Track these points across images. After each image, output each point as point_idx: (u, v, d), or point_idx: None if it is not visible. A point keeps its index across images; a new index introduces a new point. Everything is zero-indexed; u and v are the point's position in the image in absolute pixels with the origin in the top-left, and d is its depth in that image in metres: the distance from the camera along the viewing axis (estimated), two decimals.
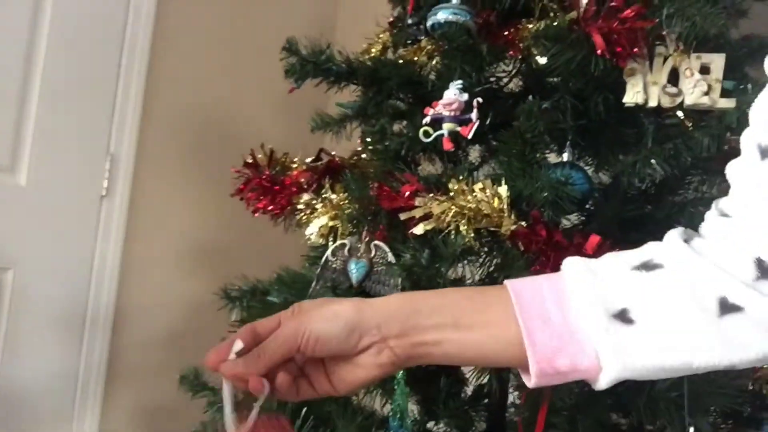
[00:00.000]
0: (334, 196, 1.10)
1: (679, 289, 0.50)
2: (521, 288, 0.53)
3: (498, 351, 0.53)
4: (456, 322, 0.53)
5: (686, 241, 0.53)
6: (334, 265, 1.06)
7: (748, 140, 0.53)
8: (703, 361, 0.49)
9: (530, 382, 0.52)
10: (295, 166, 1.12)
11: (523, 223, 0.86)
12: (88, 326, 1.74)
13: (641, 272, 0.51)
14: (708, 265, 0.50)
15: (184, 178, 1.92)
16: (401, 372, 0.93)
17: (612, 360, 0.49)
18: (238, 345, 0.55)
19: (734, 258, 0.50)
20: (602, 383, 0.51)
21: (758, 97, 0.53)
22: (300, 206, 1.13)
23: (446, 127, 0.93)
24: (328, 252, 1.06)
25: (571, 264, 0.54)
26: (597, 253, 0.85)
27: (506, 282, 0.54)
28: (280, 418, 0.60)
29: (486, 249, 0.92)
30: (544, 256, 0.84)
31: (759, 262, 0.49)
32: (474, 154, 1.18)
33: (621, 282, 0.51)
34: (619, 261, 0.53)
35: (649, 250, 0.53)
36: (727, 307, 0.48)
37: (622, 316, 0.50)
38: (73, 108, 1.69)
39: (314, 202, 1.11)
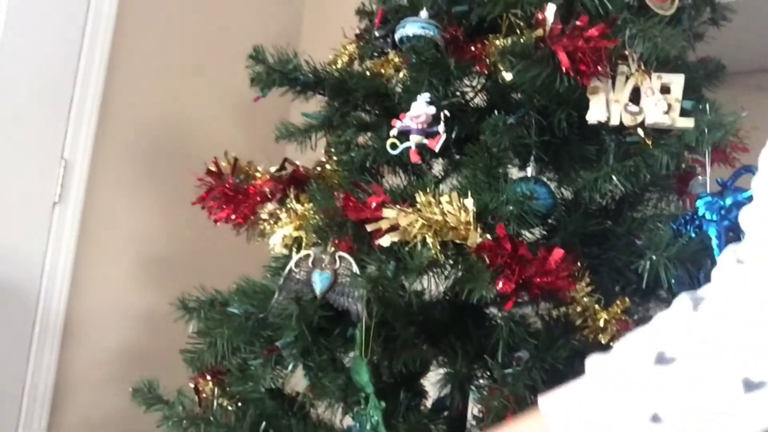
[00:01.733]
0: (298, 207, 1.09)
1: (699, 382, 0.53)
2: (561, 409, 0.58)
3: None
4: None
5: (695, 308, 0.55)
6: (297, 276, 1.04)
7: (759, 186, 0.55)
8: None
9: None
10: (259, 175, 1.11)
11: (488, 236, 0.87)
12: (36, 337, 1.68)
13: (659, 367, 0.54)
14: (725, 345, 0.52)
15: (140, 185, 1.88)
16: (371, 387, 0.92)
17: None
18: None
19: (751, 328, 0.52)
20: None
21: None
22: (263, 216, 1.11)
23: (413, 139, 0.94)
24: (292, 263, 1.05)
25: (592, 364, 0.59)
26: (560, 267, 0.86)
27: (540, 404, 0.59)
28: None
29: (451, 261, 0.92)
30: (509, 269, 0.84)
31: None
32: (437, 167, 1.18)
33: (644, 385, 0.55)
34: (638, 358, 0.56)
35: (660, 336, 0.56)
36: (751, 386, 0.51)
37: (655, 419, 0.53)
38: (27, 111, 1.64)
39: (278, 212, 1.10)
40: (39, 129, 1.67)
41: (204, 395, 1.07)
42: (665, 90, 0.92)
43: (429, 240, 0.86)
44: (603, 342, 0.89)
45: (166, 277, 1.88)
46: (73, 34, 1.73)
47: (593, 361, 0.59)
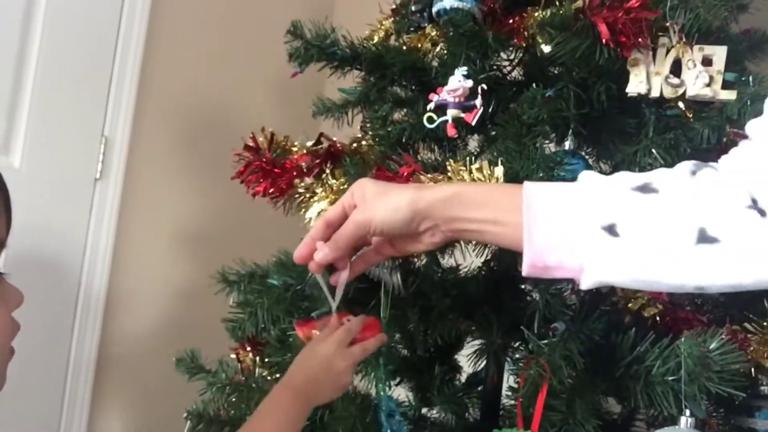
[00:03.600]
0: (334, 182, 1.10)
1: (664, 215, 0.57)
2: (537, 192, 0.62)
3: (518, 242, 0.62)
4: (495, 220, 0.64)
5: (694, 172, 0.59)
6: None
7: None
8: (672, 281, 0.57)
9: (524, 271, 0.62)
10: (295, 150, 1.12)
11: None
12: (79, 311, 1.73)
13: (637, 193, 0.59)
14: (700, 197, 0.57)
15: (178, 161, 1.92)
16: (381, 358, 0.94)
17: (593, 265, 0.58)
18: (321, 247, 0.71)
19: (730, 190, 0.56)
20: (584, 284, 0.60)
21: None
22: (300, 190, 1.13)
23: (450, 113, 0.94)
24: None
25: (585, 177, 0.63)
26: None
27: (525, 183, 0.64)
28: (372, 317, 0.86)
29: None
30: None
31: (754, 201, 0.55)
32: (473, 143, 1.18)
33: (617, 199, 0.59)
34: (624, 180, 0.61)
35: (654, 175, 0.61)
36: (704, 238, 0.55)
37: (611, 229, 0.57)
38: (68, 90, 1.68)
39: (314, 186, 1.11)
40: (80, 108, 1.71)
41: (245, 365, 1.10)
42: (707, 62, 0.91)
43: None
44: (633, 309, 0.89)
45: (205, 251, 1.91)
46: (112, 14, 1.76)
47: (586, 174, 0.64)
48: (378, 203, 0.67)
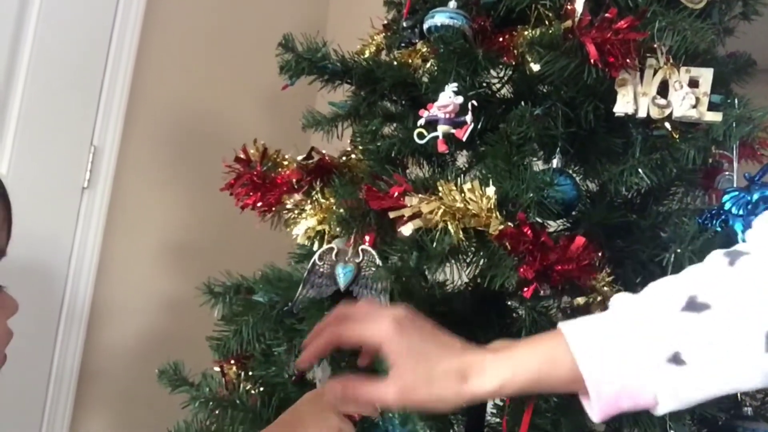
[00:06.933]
0: (324, 201, 1.10)
1: (726, 331, 0.54)
2: (580, 335, 0.58)
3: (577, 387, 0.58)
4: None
5: (732, 263, 0.56)
6: (321, 269, 1.06)
7: None
8: (746, 388, 0.55)
9: (595, 419, 0.58)
10: (286, 163, 1.12)
11: (510, 223, 0.87)
12: (63, 320, 1.71)
13: (690, 314, 0.55)
14: (755, 296, 0.53)
15: (167, 172, 1.91)
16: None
17: (667, 399, 0.55)
18: None
19: None
20: (659, 413, 0.57)
21: None
22: (288, 206, 1.13)
23: (441, 129, 0.94)
24: (315, 256, 1.06)
25: (619, 303, 0.59)
26: (581, 255, 0.86)
27: (561, 327, 0.59)
28: None
29: (473, 249, 0.92)
30: (530, 257, 0.85)
31: None
32: (462, 159, 1.19)
33: (671, 326, 0.55)
34: (667, 300, 0.57)
35: (694, 283, 0.57)
36: None
37: (676, 359, 0.54)
38: (58, 98, 1.67)
39: (303, 203, 1.11)
40: (69, 116, 1.70)
41: (228, 378, 1.09)
42: (693, 84, 0.92)
43: (451, 227, 0.87)
44: None
45: (192, 263, 1.90)
46: (104, 22, 1.75)
47: (619, 298, 0.60)
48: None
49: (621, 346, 0.56)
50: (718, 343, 0.54)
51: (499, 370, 0.59)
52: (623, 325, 0.57)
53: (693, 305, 0.55)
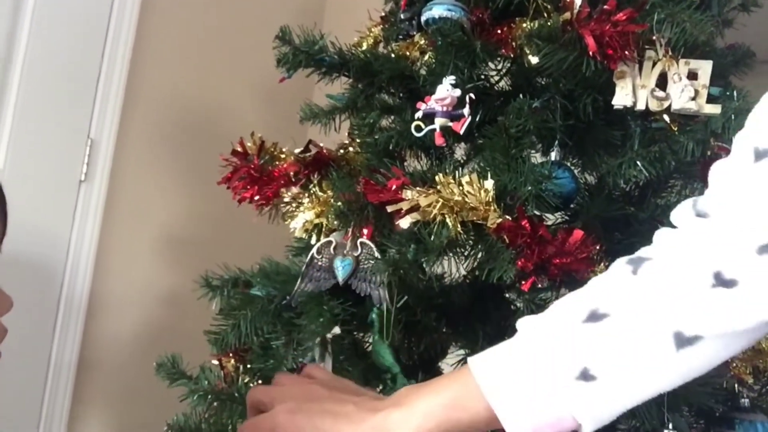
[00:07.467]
0: (321, 194, 1.10)
1: (630, 338, 0.52)
2: (486, 369, 0.55)
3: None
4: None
5: (635, 271, 0.54)
6: (320, 263, 1.05)
7: (742, 142, 0.54)
8: (665, 389, 0.53)
9: None
10: (283, 156, 1.12)
11: (508, 216, 0.87)
12: (61, 313, 1.71)
13: (590, 325, 0.53)
14: (658, 298, 0.52)
15: (164, 165, 1.90)
16: (397, 367, 0.93)
17: (585, 417, 0.53)
18: None
19: (685, 276, 0.51)
20: (588, 430, 0.54)
21: (761, 100, 0.54)
22: (286, 199, 1.12)
23: (438, 122, 0.94)
24: (314, 249, 1.06)
25: (523, 326, 0.57)
26: (579, 248, 0.86)
27: (470, 364, 0.56)
28: None
29: (471, 242, 0.92)
30: (528, 250, 0.84)
31: (717, 275, 0.50)
32: (459, 152, 1.19)
33: (573, 341, 0.53)
34: (568, 315, 0.55)
35: (593, 294, 0.55)
36: (683, 341, 0.51)
37: (585, 376, 0.52)
38: (54, 91, 1.66)
39: (301, 196, 1.10)
40: (66, 109, 1.70)
41: (227, 371, 1.09)
42: (692, 76, 0.91)
43: (449, 220, 0.87)
44: None
45: (189, 256, 1.90)
46: (100, 14, 1.75)
47: (524, 321, 0.57)
48: None
49: (531, 376, 0.53)
50: (625, 350, 0.52)
51: (405, 428, 0.55)
52: (530, 351, 0.55)
53: (594, 316, 0.53)
